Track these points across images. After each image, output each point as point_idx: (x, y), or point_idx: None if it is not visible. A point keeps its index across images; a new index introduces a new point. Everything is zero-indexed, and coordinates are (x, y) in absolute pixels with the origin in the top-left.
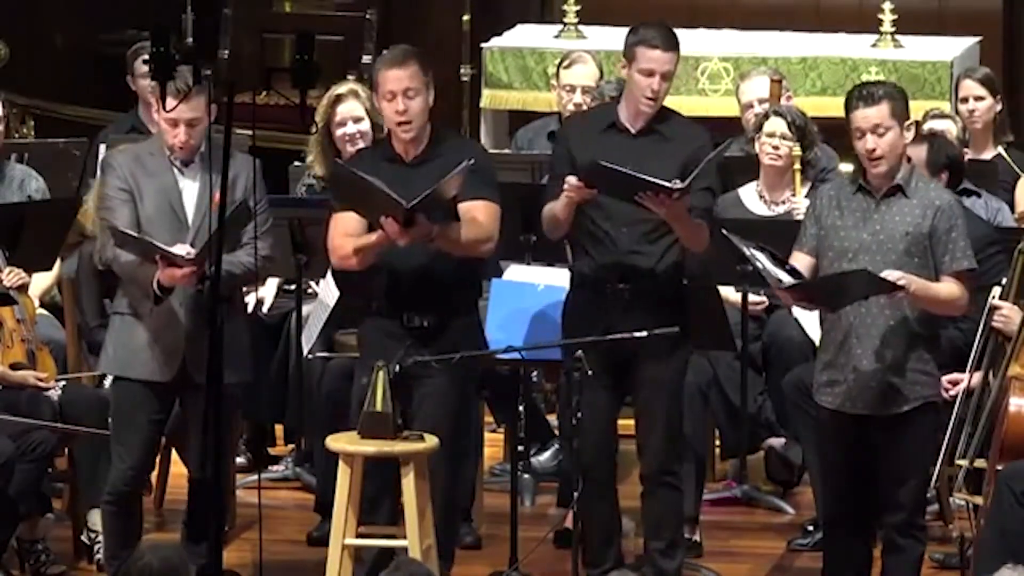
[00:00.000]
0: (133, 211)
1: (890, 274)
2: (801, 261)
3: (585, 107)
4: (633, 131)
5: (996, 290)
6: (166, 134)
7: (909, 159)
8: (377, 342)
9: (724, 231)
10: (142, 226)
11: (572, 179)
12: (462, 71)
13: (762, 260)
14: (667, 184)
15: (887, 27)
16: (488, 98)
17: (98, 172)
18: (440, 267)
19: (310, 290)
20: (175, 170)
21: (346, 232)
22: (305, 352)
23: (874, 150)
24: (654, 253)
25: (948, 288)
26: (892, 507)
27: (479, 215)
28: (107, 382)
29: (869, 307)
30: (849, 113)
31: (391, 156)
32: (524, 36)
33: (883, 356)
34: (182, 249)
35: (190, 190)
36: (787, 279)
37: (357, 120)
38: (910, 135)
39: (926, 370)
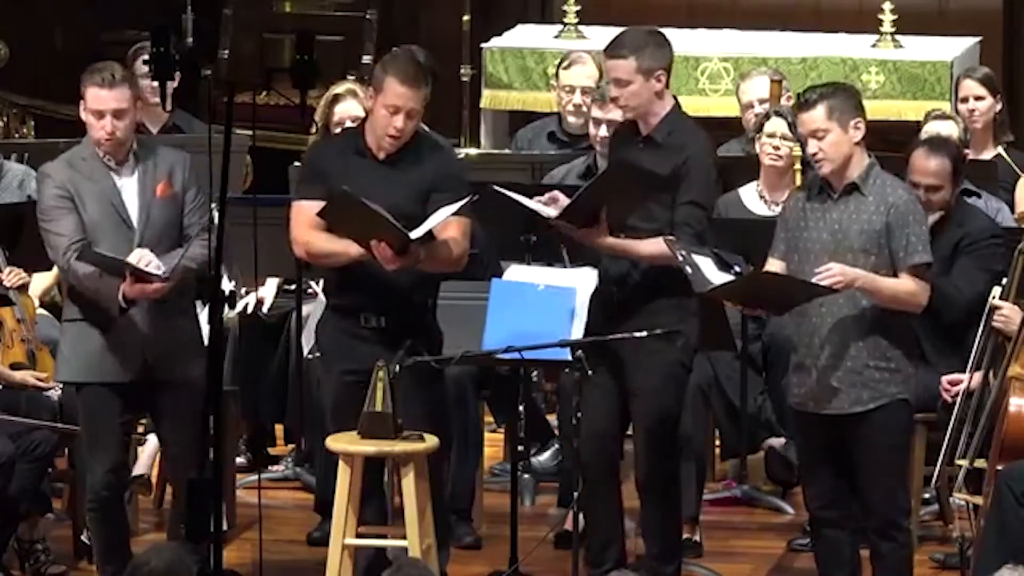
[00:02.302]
0: (78, 218)
1: (825, 274)
2: (775, 267)
3: (585, 108)
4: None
5: (996, 290)
6: (92, 128)
7: (872, 155)
8: (335, 342)
9: (665, 240)
10: (87, 231)
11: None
12: (462, 71)
13: (700, 265)
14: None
15: (887, 27)
16: (488, 98)
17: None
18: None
19: (310, 290)
20: (111, 171)
21: (309, 223)
22: (305, 352)
23: (815, 153)
24: (626, 259)
25: (903, 283)
26: (869, 509)
27: (454, 231)
28: None
29: (830, 306)
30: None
31: (361, 150)
32: (524, 36)
33: (842, 354)
34: (156, 268)
35: (129, 190)
36: (716, 283)
37: (355, 120)
38: (859, 133)
39: (891, 367)
